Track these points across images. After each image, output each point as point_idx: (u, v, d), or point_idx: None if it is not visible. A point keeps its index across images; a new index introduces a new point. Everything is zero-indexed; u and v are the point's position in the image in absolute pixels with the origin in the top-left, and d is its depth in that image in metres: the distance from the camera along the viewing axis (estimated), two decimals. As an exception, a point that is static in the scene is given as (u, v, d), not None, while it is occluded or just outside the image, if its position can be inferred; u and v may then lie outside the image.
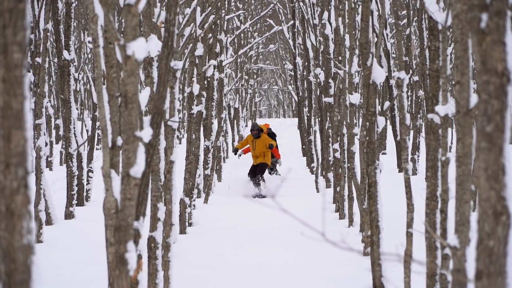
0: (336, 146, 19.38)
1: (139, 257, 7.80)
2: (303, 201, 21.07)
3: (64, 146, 24.13)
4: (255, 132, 23.95)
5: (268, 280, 11.96)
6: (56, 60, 24.86)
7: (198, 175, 20.87)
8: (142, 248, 7.84)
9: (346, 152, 17.77)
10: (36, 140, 15.78)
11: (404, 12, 29.39)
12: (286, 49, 51.42)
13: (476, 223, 3.56)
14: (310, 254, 13.24)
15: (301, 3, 27.24)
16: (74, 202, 17.82)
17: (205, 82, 19.39)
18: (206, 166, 21.47)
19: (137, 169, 4.69)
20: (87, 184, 21.02)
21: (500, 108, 3.47)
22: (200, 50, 17.70)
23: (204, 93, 18.58)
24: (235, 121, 43.80)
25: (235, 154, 24.71)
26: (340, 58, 17.18)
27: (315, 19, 25.49)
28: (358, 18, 14.72)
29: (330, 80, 21.03)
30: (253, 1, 40.83)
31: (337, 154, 19.36)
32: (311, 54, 28.93)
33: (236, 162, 35.25)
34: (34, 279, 3.35)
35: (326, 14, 20.65)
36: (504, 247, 3.49)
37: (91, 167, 21.39)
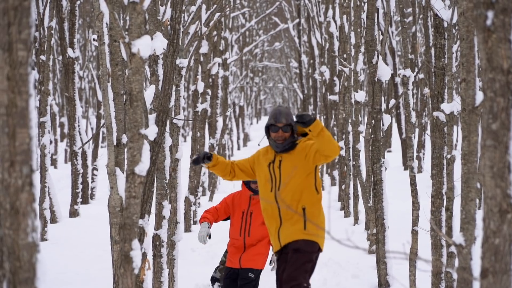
0: (341, 144, 19.36)
1: (144, 255, 7.81)
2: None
3: (68, 144, 24.20)
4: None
5: (272, 278, 11.95)
6: (60, 58, 24.92)
7: (203, 173, 20.88)
8: (147, 246, 7.84)
9: (351, 150, 17.75)
10: (40, 138, 15.80)
11: (410, 9, 29.35)
12: (291, 47, 51.37)
13: (482, 221, 3.55)
14: (315, 252, 13.22)
15: (306, 1, 27.22)
16: (79, 200, 17.83)
17: (210, 80, 19.39)
18: (211, 164, 21.43)
19: (142, 167, 4.68)
20: (91, 182, 21.03)
21: (506, 105, 3.46)
22: (205, 48, 17.69)
23: (209, 91, 18.58)
24: (240, 119, 43.81)
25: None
26: (345, 55, 17.16)
27: (320, 16, 25.47)
28: (364, 15, 14.70)
29: (335, 78, 21.01)
30: (258, -1, 40.83)
31: (342, 152, 19.34)
32: (316, 52, 28.92)
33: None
34: (39, 277, 3.34)
35: (331, 11, 20.64)
36: (510, 245, 3.48)
37: (95, 165, 21.40)
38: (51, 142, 29.04)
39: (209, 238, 9.08)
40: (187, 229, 16.73)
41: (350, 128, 17.76)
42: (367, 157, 14.25)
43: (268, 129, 7.21)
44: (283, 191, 7.07)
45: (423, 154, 25.76)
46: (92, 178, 21.17)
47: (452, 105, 8.82)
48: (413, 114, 27.21)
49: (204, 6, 13.47)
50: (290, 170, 7.08)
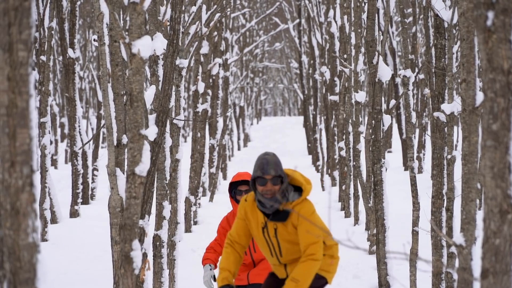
0: (342, 144, 19.35)
1: (145, 255, 7.81)
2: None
3: (69, 145, 24.22)
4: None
5: (274, 279, 11.94)
6: (61, 58, 24.89)
7: (203, 174, 20.87)
8: (147, 246, 7.84)
9: (351, 150, 17.75)
10: (41, 138, 15.80)
11: (410, 10, 29.34)
12: (292, 47, 51.40)
13: (482, 221, 3.54)
14: (316, 252, 13.23)
15: (306, 1, 27.22)
16: (79, 200, 17.83)
17: (211, 80, 19.39)
18: (212, 165, 21.47)
19: (143, 167, 4.68)
20: (92, 183, 21.03)
21: (506, 106, 3.46)
22: (205, 48, 17.69)
23: (209, 91, 18.58)
24: (240, 119, 43.79)
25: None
26: (345, 56, 17.16)
27: (320, 17, 25.47)
28: (364, 16, 14.69)
29: (336, 78, 21.01)
30: (258, -1, 40.82)
31: (343, 153, 19.33)
32: (316, 52, 28.92)
33: (242, 160, 35.17)
34: (39, 277, 3.34)
35: (331, 12, 20.63)
36: (510, 245, 3.48)
37: (96, 166, 21.40)
38: (51, 142, 29.01)
39: (214, 280, 7.94)
40: (187, 229, 16.72)
41: (350, 128, 17.75)
42: (367, 157, 14.24)
43: (254, 181, 6.10)
44: (286, 256, 6.28)
45: (424, 154, 25.73)
46: (93, 179, 21.17)
47: (453, 106, 8.82)
48: (414, 114, 27.20)
49: (204, 7, 13.47)
50: (288, 239, 6.18)
